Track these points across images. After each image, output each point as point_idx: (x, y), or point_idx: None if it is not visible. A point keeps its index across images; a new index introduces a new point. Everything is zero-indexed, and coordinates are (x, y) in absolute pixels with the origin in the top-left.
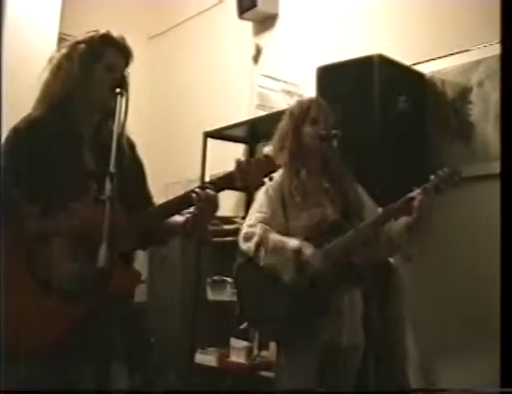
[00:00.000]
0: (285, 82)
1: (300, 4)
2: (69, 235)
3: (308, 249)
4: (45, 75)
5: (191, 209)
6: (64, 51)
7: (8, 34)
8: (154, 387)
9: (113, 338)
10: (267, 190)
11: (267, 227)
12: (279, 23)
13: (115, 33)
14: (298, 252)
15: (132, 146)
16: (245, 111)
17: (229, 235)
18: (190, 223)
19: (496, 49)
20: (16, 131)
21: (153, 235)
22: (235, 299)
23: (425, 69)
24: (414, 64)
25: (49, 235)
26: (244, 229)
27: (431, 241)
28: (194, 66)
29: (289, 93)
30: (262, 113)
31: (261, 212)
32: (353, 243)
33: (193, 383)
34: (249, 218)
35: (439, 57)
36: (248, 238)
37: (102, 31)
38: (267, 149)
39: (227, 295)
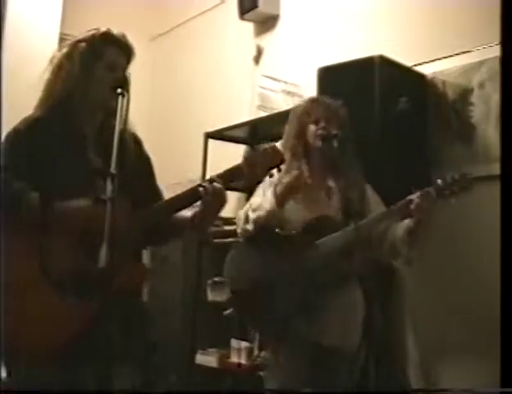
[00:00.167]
0: (286, 83)
1: (301, 5)
2: (75, 234)
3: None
4: (46, 75)
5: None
6: (65, 50)
7: (9, 34)
8: (155, 388)
9: (121, 338)
10: (265, 184)
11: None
12: (280, 24)
13: (116, 31)
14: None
15: (138, 142)
16: (246, 111)
17: (229, 237)
18: (198, 218)
19: (496, 50)
20: (17, 131)
21: (160, 231)
22: None
23: (426, 70)
24: (415, 65)
25: (55, 232)
26: (243, 214)
27: (431, 242)
28: (195, 66)
29: (290, 93)
30: (263, 114)
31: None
32: (347, 241)
33: (193, 384)
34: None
35: (440, 58)
36: (253, 210)
37: (103, 29)
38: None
39: (228, 296)
